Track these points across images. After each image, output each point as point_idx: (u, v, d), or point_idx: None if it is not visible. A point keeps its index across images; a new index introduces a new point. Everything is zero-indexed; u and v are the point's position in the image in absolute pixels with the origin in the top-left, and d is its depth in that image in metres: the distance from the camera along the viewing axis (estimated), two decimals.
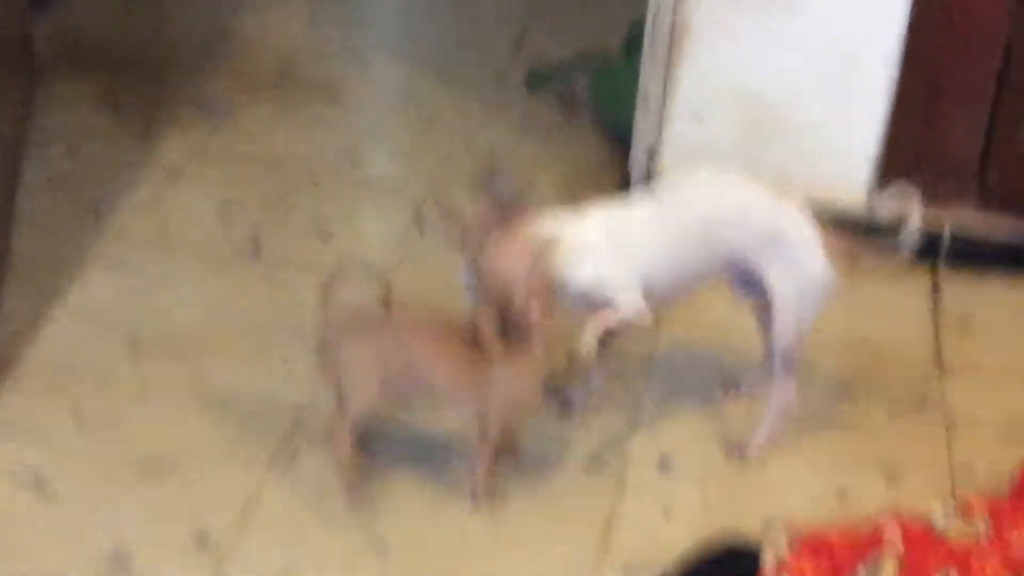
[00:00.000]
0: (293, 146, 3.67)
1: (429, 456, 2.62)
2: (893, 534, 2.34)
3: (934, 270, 3.29)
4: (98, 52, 4.04)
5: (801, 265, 2.53)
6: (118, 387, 2.76)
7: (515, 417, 2.51)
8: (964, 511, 2.44)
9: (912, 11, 3.12)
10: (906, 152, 3.27)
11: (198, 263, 3.16)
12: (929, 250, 3.21)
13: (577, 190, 3.41)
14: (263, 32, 4.25)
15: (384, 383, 2.42)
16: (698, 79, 3.26)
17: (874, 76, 3.20)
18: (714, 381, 2.86)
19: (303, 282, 3.04)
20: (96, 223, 3.25)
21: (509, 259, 2.36)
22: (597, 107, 3.87)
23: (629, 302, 2.48)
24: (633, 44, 3.55)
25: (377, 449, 2.60)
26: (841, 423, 2.81)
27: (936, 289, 3.26)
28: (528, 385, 2.44)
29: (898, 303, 3.20)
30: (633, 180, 3.43)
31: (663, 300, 2.61)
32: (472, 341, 2.38)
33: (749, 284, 2.61)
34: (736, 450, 2.67)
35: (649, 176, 3.38)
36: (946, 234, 3.27)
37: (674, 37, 3.20)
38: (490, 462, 2.50)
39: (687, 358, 2.69)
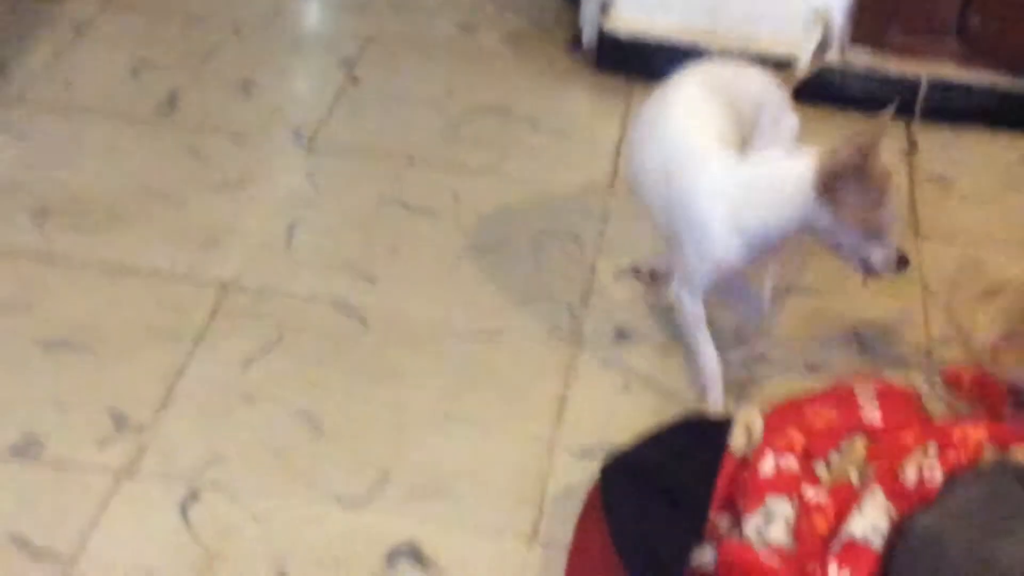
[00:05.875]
0: None
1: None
2: (868, 402, 2.17)
3: (909, 127, 3.15)
4: None
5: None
6: (23, 263, 2.57)
7: None
8: (951, 382, 2.29)
9: None
10: None
11: (108, 126, 2.95)
12: (904, 105, 3.10)
13: (524, 50, 3.23)
14: None
15: None
16: None
17: None
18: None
19: (222, 145, 2.91)
20: None
21: None
22: None
23: None
24: None
25: None
26: (810, 290, 2.67)
27: (911, 147, 3.12)
28: None
29: None
30: (585, 40, 3.24)
31: None
32: None
33: None
34: None
35: (602, 38, 3.17)
36: (922, 87, 3.13)
37: None
38: None
39: (640, 226, 2.51)
